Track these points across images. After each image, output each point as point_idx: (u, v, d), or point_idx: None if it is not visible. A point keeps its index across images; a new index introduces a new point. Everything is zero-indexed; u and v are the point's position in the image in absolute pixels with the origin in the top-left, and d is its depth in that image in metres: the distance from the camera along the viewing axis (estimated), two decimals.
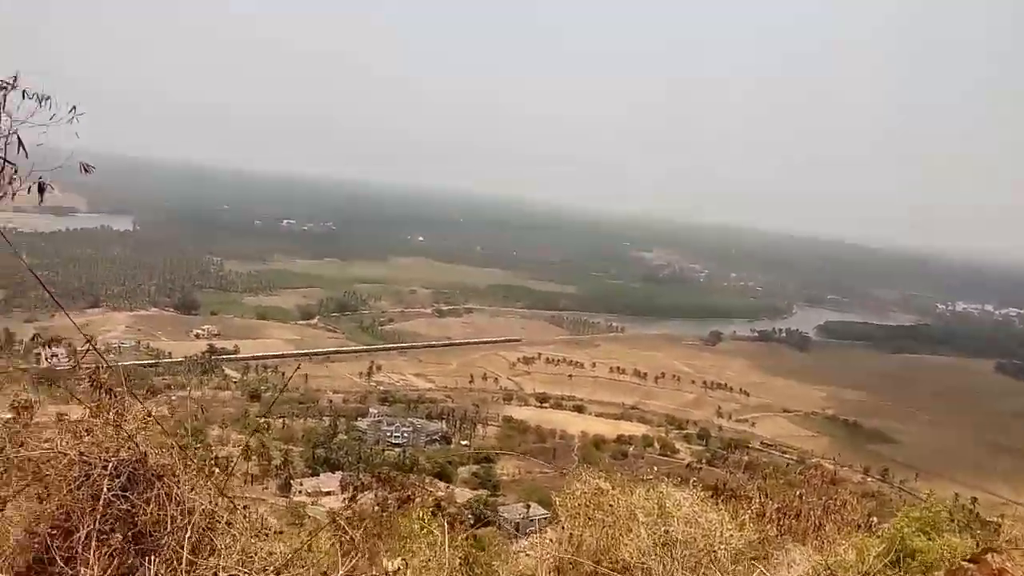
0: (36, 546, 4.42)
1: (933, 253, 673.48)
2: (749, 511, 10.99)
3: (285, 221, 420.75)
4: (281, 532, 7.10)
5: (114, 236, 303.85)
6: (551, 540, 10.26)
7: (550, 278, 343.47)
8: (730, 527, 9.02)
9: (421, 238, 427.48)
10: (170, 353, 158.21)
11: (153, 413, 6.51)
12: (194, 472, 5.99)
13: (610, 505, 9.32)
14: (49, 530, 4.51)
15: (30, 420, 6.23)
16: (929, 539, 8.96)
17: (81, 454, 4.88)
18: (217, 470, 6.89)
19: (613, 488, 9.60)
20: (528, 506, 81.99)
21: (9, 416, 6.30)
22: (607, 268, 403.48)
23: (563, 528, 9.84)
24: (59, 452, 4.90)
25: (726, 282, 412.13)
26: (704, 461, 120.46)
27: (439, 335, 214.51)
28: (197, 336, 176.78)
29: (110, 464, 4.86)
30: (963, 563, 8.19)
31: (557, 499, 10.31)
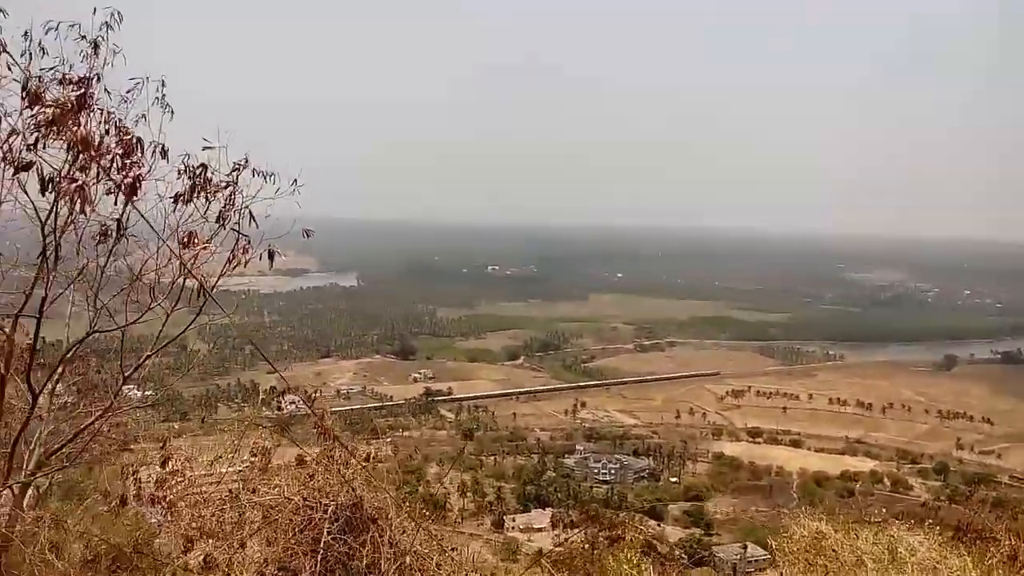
0: None
1: None
2: (998, 555, 10.18)
3: (490, 267, 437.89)
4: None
5: (341, 292, 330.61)
6: None
7: (755, 306, 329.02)
8: (975, 575, 8.27)
9: (619, 275, 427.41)
10: (391, 396, 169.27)
11: (371, 456, 7.04)
12: (406, 515, 6.49)
13: (833, 550, 8.68)
14: (275, 572, 5.35)
15: (267, 466, 7.37)
16: None
17: (304, 499, 5.69)
18: (427, 512, 7.47)
19: (836, 531, 8.98)
20: (745, 547, 78.54)
21: (247, 463, 7.52)
22: (820, 292, 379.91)
23: (781, 574, 9.36)
24: (285, 497, 5.77)
25: (960, 300, 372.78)
26: (943, 499, 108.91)
27: (641, 370, 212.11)
28: (415, 380, 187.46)
29: (330, 508, 5.63)
30: None
31: (773, 542, 9.75)
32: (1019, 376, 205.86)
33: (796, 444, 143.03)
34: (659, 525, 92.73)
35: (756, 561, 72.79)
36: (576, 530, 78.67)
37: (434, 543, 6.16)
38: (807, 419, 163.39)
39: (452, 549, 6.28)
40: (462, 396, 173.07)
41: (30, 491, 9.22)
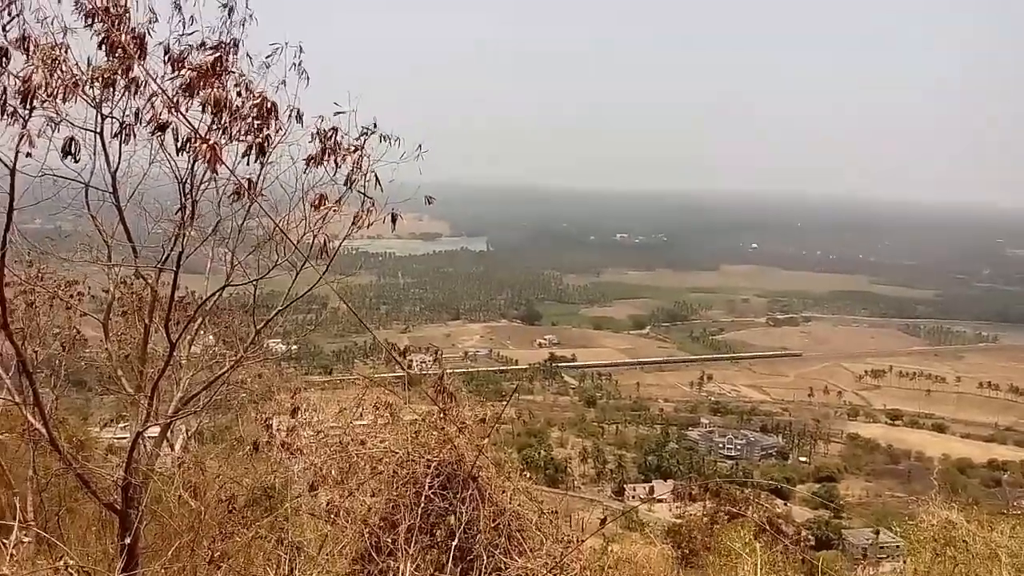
0: (367, 536, 5.51)
1: None
2: None
3: (618, 235, 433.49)
4: (581, 540, 7.34)
5: (472, 256, 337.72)
6: (889, 572, 9.53)
7: (901, 282, 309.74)
8: None
9: (755, 245, 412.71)
10: (516, 360, 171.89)
11: (485, 417, 7.16)
12: (506, 475, 6.74)
13: (964, 541, 8.37)
14: (379, 522, 5.55)
15: (387, 420, 7.63)
16: None
17: (408, 453, 5.89)
18: (529, 474, 7.57)
19: (969, 521, 8.62)
20: (877, 532, 75.01)
21: (369, 417, 7.80)
22: (975, 269, 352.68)
23: (905, 562, 9.02)
24: (391, 451, 5.96)
25: None
26: None
27: (774, 345, 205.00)
28: (540, 345, 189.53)
29: (432, 464, 5.80)
30: None
31: (898, 529, 9.50)
32: None
33: (939, 429, 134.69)
34: (785, 504, 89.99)
35: (888, 548, 69.44)
36: (696, 504, 77.70)
37: (534, 504, 6.13)
38: (953, 403, 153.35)
39: (552, 512, 6.26)
40: (586, 363, 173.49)
41: (181, 435, 9.98)
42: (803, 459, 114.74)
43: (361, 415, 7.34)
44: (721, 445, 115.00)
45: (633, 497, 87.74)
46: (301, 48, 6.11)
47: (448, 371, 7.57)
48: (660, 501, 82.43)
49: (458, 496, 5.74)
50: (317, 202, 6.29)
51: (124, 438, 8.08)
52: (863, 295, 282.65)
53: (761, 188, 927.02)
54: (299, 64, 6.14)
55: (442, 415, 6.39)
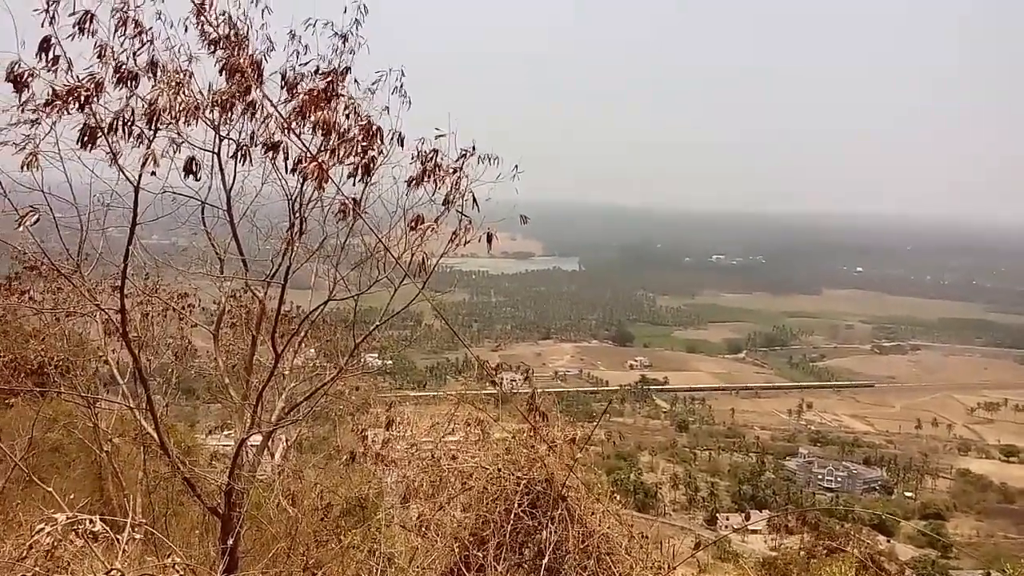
0: (457, 550, 5.58)
1: None
2: None
3: (715, 256, 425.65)
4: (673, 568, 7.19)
5: (563, 276, 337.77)
6: None
7: (1020, 310, 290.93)
8: None
9: (859, 269, 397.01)
10: (607, 381, 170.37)
11: (575, 437, 7.16)
12: (596, 497, 6.72)
13: None
14: (468, 537, 5.62)
15: (479, 436, 7.74)
16: None
17: (499, 470, 5.94)
18: (620, 497, 7.52)
19: None
20: (988, 574, 70.20)
21: (462, 432, 7.93)
22: None
23: None
24: (481, 467, 6.04)
25: None
26: None
27: (879, 374, 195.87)
28: (631, 367, 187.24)
29: (522, 482, 5.83)
30: None
31: (1011, 572, 9.06)
32: None
33: None
34: (888, 541, 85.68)
35: None
36: (793, 536, 74.79)
37: (624, 528, 6.08)
38: None
39: (642, 536, 6.19)
40: (678, 387, 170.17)
41: (281, 444, 10.38)
42: (908, 494, 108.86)
43: (453, 430, 7.46)
44: (820, 476, 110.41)
45: (726, 527, 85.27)
46: (403, 73, 6.39)
47: (539, 390, 7.60)
48: (755, 532, 79.84)
49: (547, 515, 5.78)
50: (415, 222, 6.49)
51: (228, 445, 8.46)
52: (977, 323, 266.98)
53: (865, 209, 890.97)
54: (401, 87, 6.41)
55: (533, 433, 6.43)
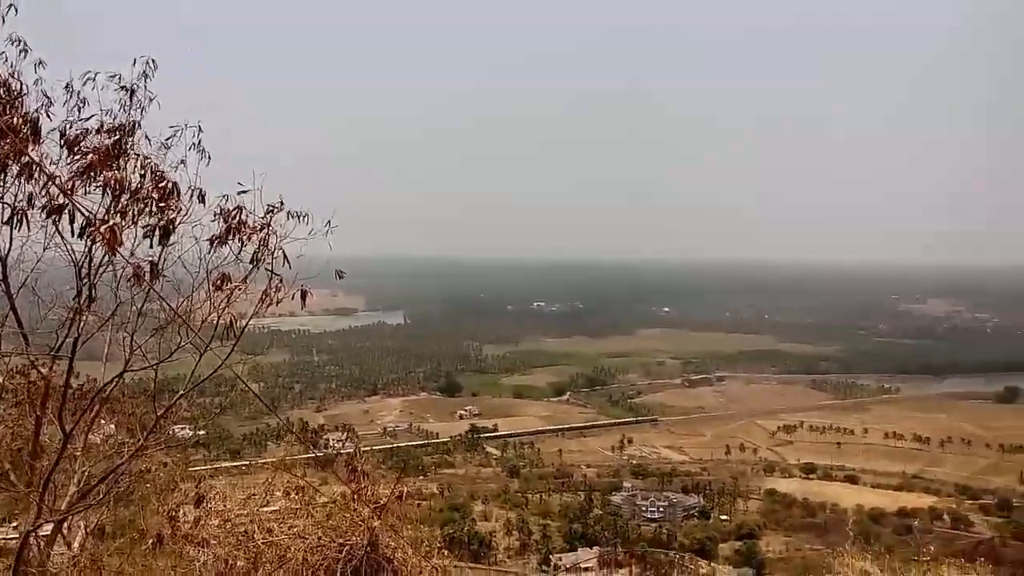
0: None
1: None
2: None
3: (535, 303, 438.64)
4: None
5: (389, 330, 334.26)
6: None
7: (806, 340, 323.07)
8: None
9: (666, 309, 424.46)
10: (437, 433, 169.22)
11: (402, 494, 7.00)
12: (423, 555, 6.62)
13: None
14: None
15: (300, 505, 7.39)
16: None
17: (319, 538, 5.71)
18: (447, 551, 7.44)
19: (882, 570, 8.87)
20: None
21: (280, 502, 7.54)
22: (873, 324, 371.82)
23: None
24: (301, 537, 5.77)
25: (1020, 331, 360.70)
26: (1008, 535, 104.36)
27: (690, 405, 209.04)
28: (461, 416, 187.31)
29: (344, 548, 5.63)
30: None
31: None
32: None
33: (851, 480, 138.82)
34: (709, 564, 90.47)
35: None
36: (622, 570, 77.25)
37: None
38: (862, 454, 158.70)
39: None
40: (508, 433, 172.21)
41: (79, 531, 9.38)
42: (724, 517, 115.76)
43: (270, 501, 7.10)
44: (644, 508, 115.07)
45: (559, 567, 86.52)
46: (200, 127, 6.15)
47: (365, 448, 7.42)
48: (586, 570, 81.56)
49: None
50: (219, 282, 6.22)
51: (14, 538, 7.56)
52: (771, 353, 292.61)
53: (669, 257, 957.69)
54: (199, 143, 6.16)
55: (355, 496, 6.25)
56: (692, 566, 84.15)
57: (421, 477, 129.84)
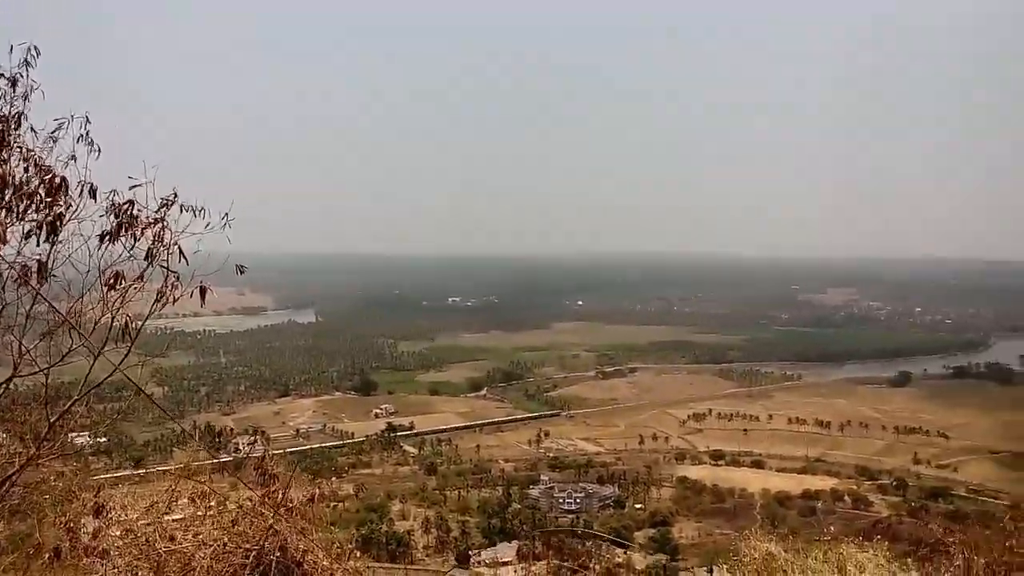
0: None
1: None
2: (952, 569, 10.07)
3: (451, 299, 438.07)
4: None
5: (300, 329, 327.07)
6: None
7: (714, 330, 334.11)
8: None
9: (580, 303, 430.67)
10: (352, 433, 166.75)
11: (307, 497, 6.85)
12: (334, 557, 6.48)
13: (784, 571, 8.62)
14: None
15: (207, 511, 7.11)
16: None
17: (224, 545, 5.50)
18: (359, 552, 7.28)
19: (786, 551, 8.90)
20: (710, 570, 78.44)
21: (185, 509, 7.25)
22: (776, 314, 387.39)
23: None
24: (205, 544, 5.54)
25: (911, 318, 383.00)
26: (903, 514, 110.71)
27: (604, 397, 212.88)
28: (376, 415, 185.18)
29: (252, 554, 5.43)
30: None
31: (724, 566, 9.77)
32: (970, 390, 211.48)
33: (758, 465, 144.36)
34: (625, 552, 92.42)
35: None
36: (540, 562, 77.90)
37: None
38: (767, 440, 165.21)
39: None
40: (425, 430, 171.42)
41: None
42: (638, 506, 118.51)
43: (171, 508, 6.81)
44: (561, 500, 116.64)
45: (478, 563, 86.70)
46: (88, 119, 5.83)
47: (276, 451, 7.24)
48: (505, 564, 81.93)
49: None
50: (112, 281, 5.93)
51: None
52: (681, 344, 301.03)
53: (583, 250, 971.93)
54: (87, 135, 5.85)
55: (264, 500, 6.07)
56: (608, 555, 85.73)
57: (336, 478, 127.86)
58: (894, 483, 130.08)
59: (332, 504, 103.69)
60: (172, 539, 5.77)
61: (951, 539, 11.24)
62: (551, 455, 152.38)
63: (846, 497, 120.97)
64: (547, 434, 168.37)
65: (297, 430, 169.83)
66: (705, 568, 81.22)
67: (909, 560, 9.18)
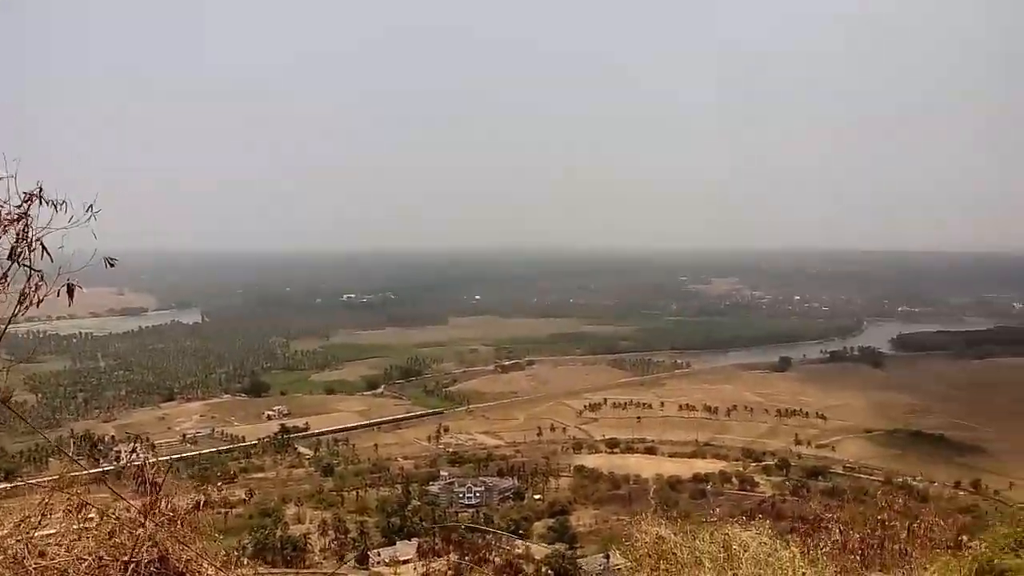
0: None
1: (1006, 252, 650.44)
2: (829, 544, 10.52)
3: (346, 296, 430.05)
4: None
5: (184, 330, 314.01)
6: None
7: (608, 322, 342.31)
8: (803, 565, 8.54)
9: (478, 297, 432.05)
10: (243, 437, 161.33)
11: (187, 506, 6.53)
12: (219, 566, 6.12)
13: (673, 552, 8.82)
14: None
15: (82, 523, 6.65)
16: (1020, 556, 8.44)
17: (100, 559, 5.14)
18: (246, 560, 6.99)
19: (675, 534, 9.10)
20: (607, 556, 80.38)
21: (60, 523, 6.76)
22: (665, 305, 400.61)
23: None
24: (79, 558, 5.16)
25: (790, 305, 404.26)
26: (787, 492, 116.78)
27: (503, 391, 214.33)
28: (268, 418, 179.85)
29: (130, 567, 5.09)
30: None
31: (618, 551, 9.95)
32: (845, 372, 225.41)
33: (651, 451, 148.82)
34: (525, 544, 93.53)
35: (620, 569, 74.50)
36: (440, 559, 77.91)
37: None
38: (660, 426, 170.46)
39: None
40: (320, 431, 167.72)
41: None
42: (537, 497, 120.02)
43: (44, 522, 6.35)
44: (461, 495, 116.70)
45: (378, 563, 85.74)
46: None
47: (161, 458, 6.88)
48: (406, 562, 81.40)
49: None
50: None
51: None
52: (576, 336, 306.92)
53: (480, 245, 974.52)
54: None
55: (145, 510, 5.75)
56: (509, 547, 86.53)
57: (226, 484, 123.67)
58: (777, 464, 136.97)
59: (222, 511, 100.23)
60: (43, 555, 5.36)
61: (829, 515, 11.91)
62: (451, 450, 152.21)
63: (733, 479, 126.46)
64: (446, 430, 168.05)
65: (184, 435, 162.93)
66: (602, 555, 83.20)
67: (791, 537, 9.55)
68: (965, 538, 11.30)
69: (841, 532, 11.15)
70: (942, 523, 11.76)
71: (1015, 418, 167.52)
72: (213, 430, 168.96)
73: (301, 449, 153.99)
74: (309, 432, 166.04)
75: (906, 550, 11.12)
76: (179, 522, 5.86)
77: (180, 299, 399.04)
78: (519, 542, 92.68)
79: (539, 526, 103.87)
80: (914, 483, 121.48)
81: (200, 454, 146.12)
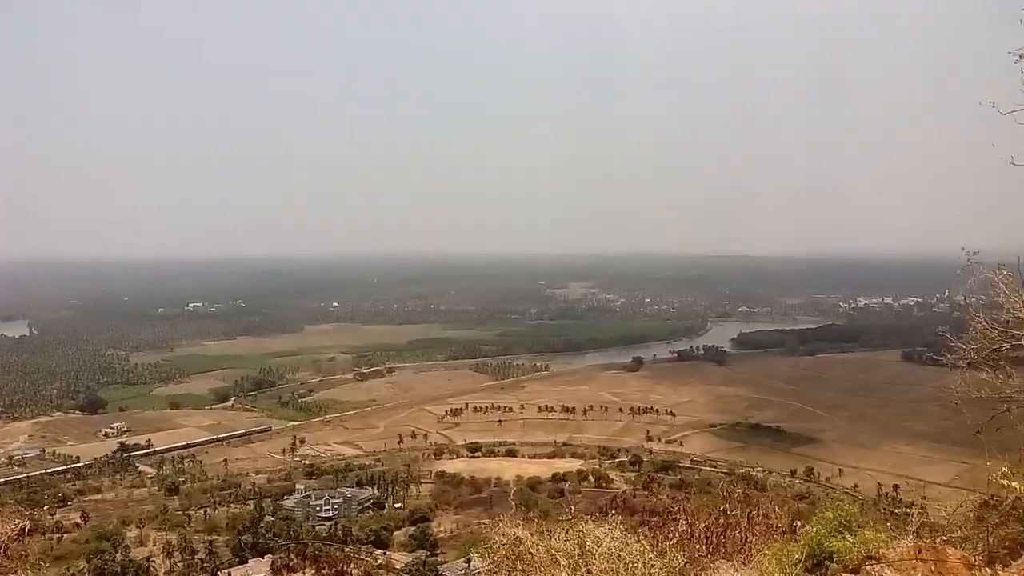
0: None
1: (830, 256, 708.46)
2: (677, 534, 11.03)
3: (191, 305, 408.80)
4: None
5: (8, 343, 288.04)
6: None
7: (468, 327, 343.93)
8: (652, 557, 8.87)
9: (335, 304, 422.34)
10: (78, 457, 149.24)
11: (11, 533, 5.69)
12: None
13: (530, 552, 9.05)
14: None
15: None
16: (844, 538, 8.99)
17: None
18: None
19: (532, 534, 9.38)
20: (468, 560, 79.81)
21: None
22: (525, 309, 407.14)
23: None
24: None
25: (641, 308, 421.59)
26: (639, 487, 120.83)
27: (363, 399, 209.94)
28: (106, 435, 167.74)
29: None
30: (843, 574, 8.19)
31: (475, 555, 10.01)
32: (692, 371, 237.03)
33: (512, 453, 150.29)
34: (385, 553, 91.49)
35: (479, 573, 74.03)
36: (296, 574, 74.62)
37: None
38: (520, 428, 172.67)
39: None
40: (164, 447, 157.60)
41: None
42: (398, 505, 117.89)
43: None
44: (318, 508, 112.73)
45: None
46: None
47: None
48: None
49: None
50: None
51: None
52: (438, 341, 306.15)
53: (333, 251, 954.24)
54: None
55: None
56: (369, 558, 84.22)
57: (58, 508, 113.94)
58: (631, 460, 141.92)
59: (53, 536, 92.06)
60: None
61: (677, 508, 12.39)
62: (307, 463, 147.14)
63: (590, 477, 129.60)
64: (303, 441, 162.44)
65: (10, 457, 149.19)
66: (463, 559, 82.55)
67: (642, 530, 9.97)
68: (799, 523, 11.85)
69: (688, 523, 11.79)
70: (778, 510, 12.55)
71: (842, 409, 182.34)
72: (43, 450, 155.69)
73: (143, 468, 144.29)
74: (152, 450, 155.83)
75: (746, 537, 11.83)
76: (2, 551, 5.02)
77: (2, 311, 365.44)
78: (379, 552, 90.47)
79: (400, 535, 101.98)
80: (754, 473, 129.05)
81: (28, 477, 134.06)
